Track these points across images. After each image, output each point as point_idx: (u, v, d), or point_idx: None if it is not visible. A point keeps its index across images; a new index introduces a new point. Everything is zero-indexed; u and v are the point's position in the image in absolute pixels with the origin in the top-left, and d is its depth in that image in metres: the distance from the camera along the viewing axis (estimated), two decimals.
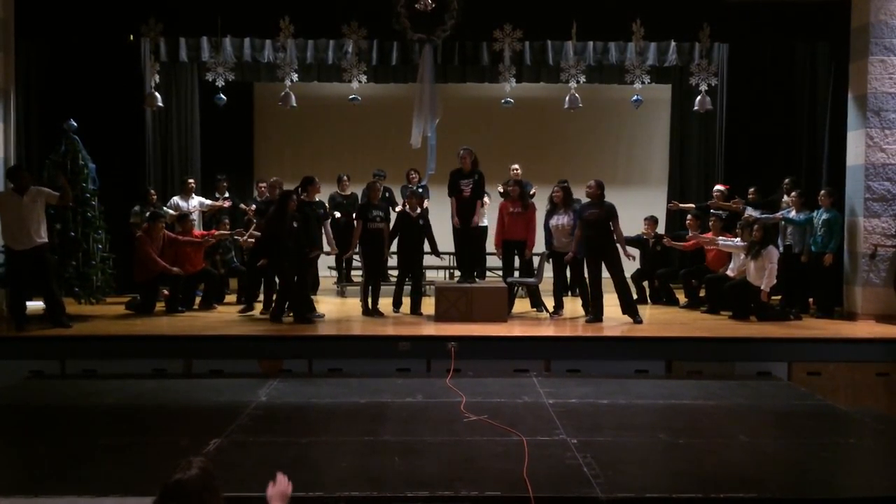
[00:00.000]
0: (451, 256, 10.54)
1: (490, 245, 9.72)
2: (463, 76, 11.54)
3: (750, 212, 9.14)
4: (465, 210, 8.68)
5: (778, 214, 8.98)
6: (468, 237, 8.81)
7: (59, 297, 7.81)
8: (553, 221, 8.60)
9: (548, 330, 7.94)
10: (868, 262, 8.44)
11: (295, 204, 8.13)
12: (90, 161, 8.83)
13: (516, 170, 10.48)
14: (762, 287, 8.21)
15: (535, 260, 9.29)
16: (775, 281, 8.31)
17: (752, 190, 9.38)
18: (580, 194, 9.01)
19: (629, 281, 9.81)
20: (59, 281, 8.09)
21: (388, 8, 8.78)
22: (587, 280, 8.32)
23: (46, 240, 7.71)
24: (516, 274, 8.97)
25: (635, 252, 8.86)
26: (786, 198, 9.23)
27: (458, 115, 11.60)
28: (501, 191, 10.47)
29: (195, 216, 9.85)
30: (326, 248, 9.41)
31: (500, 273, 10.68)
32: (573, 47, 9.49)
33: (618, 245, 8.27)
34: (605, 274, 8.25)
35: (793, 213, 8.82)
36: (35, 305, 7.99)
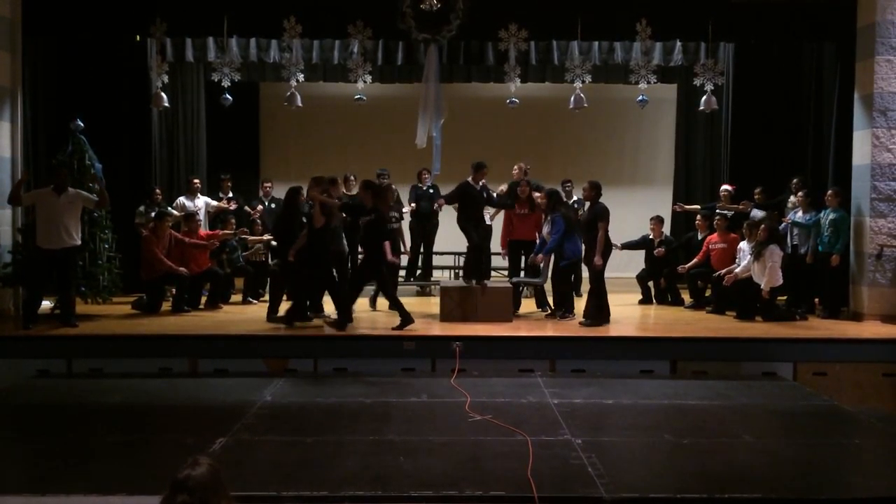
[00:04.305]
0: (455, 256, 10.57)
1: (495, 245, 9.69)
2: (468, 76, 11.54)
3: (756, 213, 9.12)
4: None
5: (786, 217, 8.98)
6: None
7: (74, 299, 7.86)
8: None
9: (553, 330, 7.92)
10: (874, 262, 8.41)
11: (304, 199, 8.05)
12: (96, 161, 8.83)
13: (518, 169, 10.48)
14: (762, 287, 8.20)
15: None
16: (780, 282, 8.29)
17: (758, 190, 9.35)
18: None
19: (635, 280, 9.93)
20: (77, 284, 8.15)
21: (394, 8, 8.79)
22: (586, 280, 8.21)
23: (79, 242, 7.77)
24: (522, 274, 8.93)
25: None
26: (792, 198, 9.20)
27: (463, 114, 11.60)
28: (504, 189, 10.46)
29: (201, 216, 9.87)
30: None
31: (506, 273, 10.72)
32: (578, 47, 9.48)
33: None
34: (607, 274, 8.19)
35: (799, 215, 8.79)
36: (42, 305, 8.01)
